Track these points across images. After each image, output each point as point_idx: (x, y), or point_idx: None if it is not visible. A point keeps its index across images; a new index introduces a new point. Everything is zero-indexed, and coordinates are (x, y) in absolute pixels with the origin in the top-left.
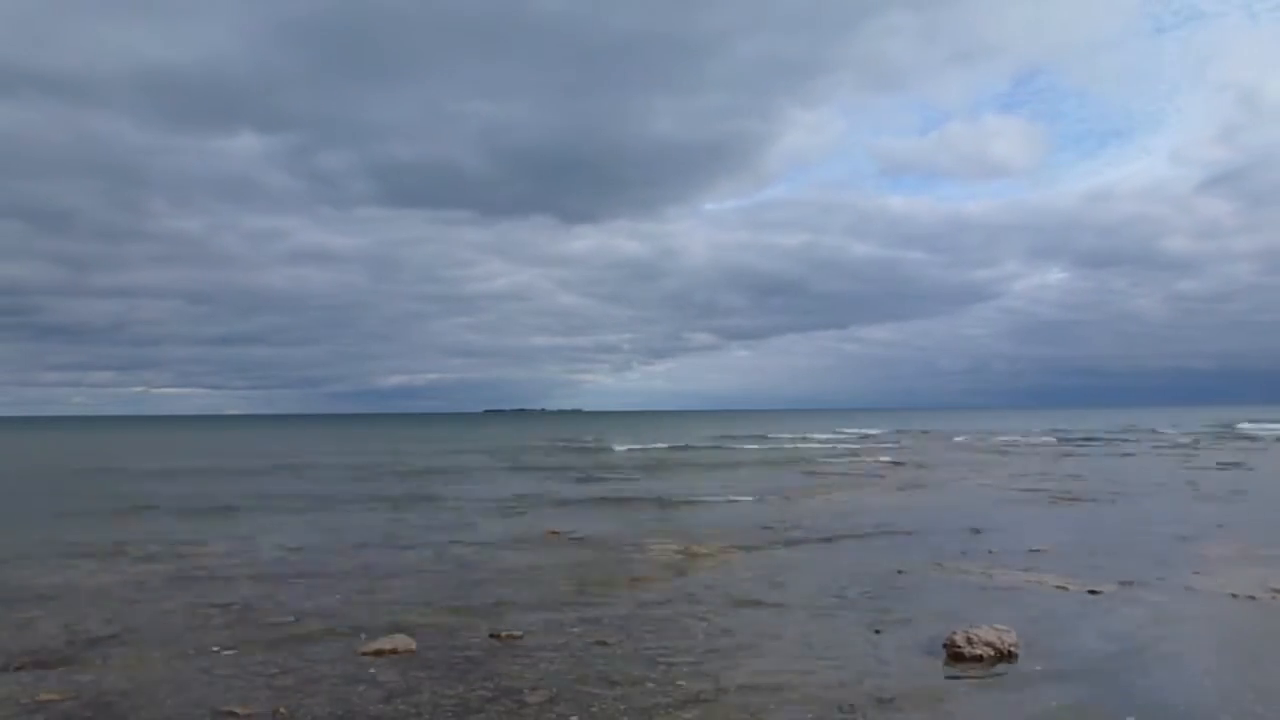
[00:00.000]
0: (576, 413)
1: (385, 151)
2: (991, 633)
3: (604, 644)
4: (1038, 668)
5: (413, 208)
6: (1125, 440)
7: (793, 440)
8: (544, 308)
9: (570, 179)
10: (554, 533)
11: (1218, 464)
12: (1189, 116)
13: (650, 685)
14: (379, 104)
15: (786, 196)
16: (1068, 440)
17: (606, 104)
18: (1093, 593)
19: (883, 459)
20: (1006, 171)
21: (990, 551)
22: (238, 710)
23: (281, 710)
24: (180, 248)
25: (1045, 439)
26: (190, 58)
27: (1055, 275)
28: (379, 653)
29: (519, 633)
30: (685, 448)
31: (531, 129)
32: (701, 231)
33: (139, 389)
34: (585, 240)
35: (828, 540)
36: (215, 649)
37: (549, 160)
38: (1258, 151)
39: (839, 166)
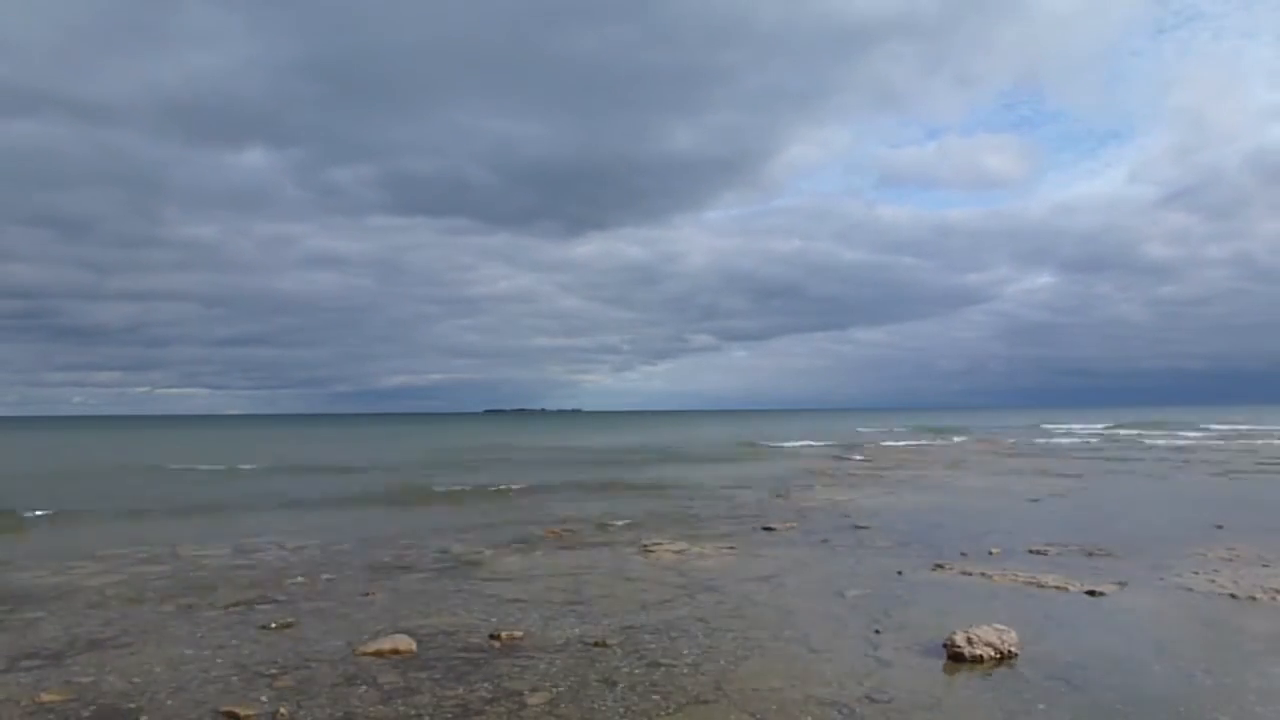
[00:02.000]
0: (576, 412)
1: (397, 165)
2: (991, 633)
3: (604, 645)
4: (1038, 668)
5: (422, 216)
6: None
7: (793, 440)
8: (547, 310)
9: (582, 190)
10: (553, 532)
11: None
12: (1152, 136)
13: (650, 686)
14: (391, 124)
15: (791, 205)
16: (1069, 440)
17: (623, 124)
18: (1092, 593)
19: (884, 459)
20: (997, 182)
21: (990, 551)
22: (238, 710)
23: (281, 710)
24: (195, 254)
25: (1043, 439)
26: (207, 86)
27: (1043, 280)
28: (379, 653)
29: (519, 633)
30: (685, 447)
31: (545, 145)
32: (706, 237)
33: (144, 389)
34: (590, 246)
35: (827, 540)
36: (215, 649)
37: (561, 172)
38: (1207, 170)
39: (842, 178)
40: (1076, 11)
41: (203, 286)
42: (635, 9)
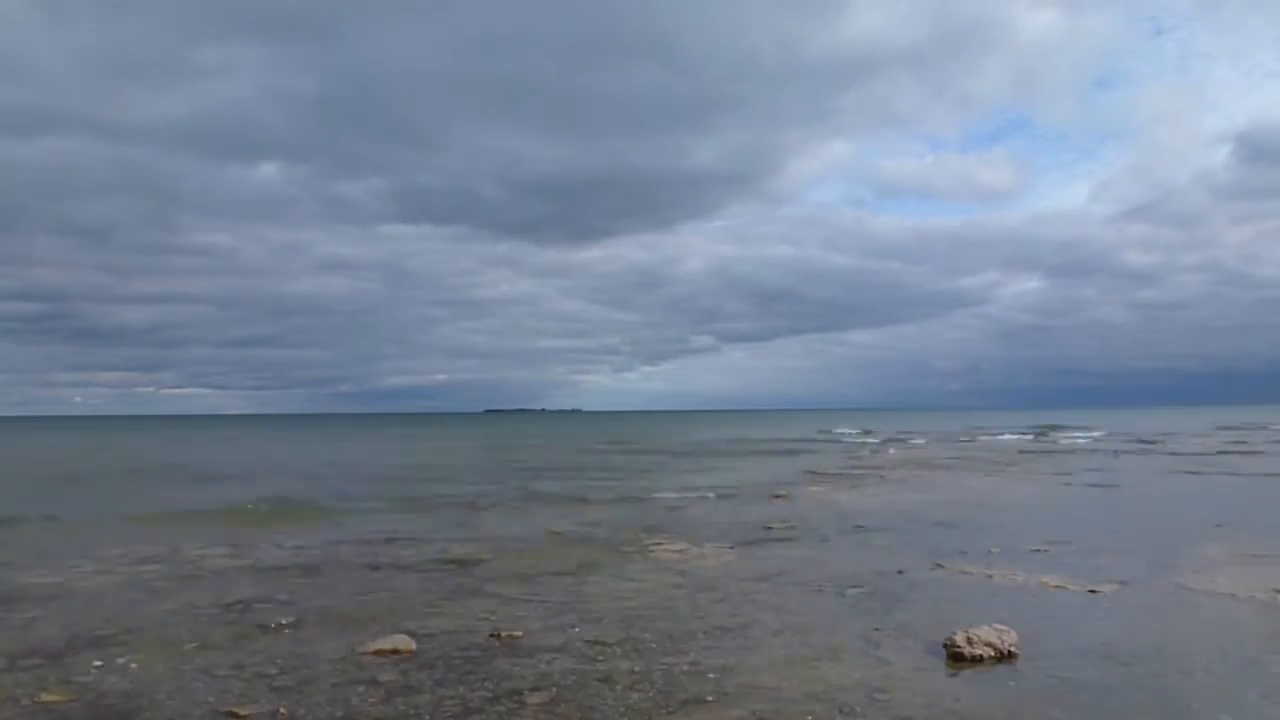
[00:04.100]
0: (576, 412)
1: (410, 181)
2: (991, 633)
3: (604, 644)
4: (1038, 668)
5: (430, 225)
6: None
7: (793, 440)
8: (550, 313)
9: (592, 202)
10: (554, 532)
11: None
12: (1122, 153)
13: (650, 685)
14: (408, 148)
15: (794, 214)
16: (1066, 439)
17: (639, 144)
18: (1093, 592)
19: (884, 459)
20: (988, 194)
21: (990, 551)
22: (238, 710)
23: (281, 710)
24: (211, 260)
25: (1039, 439)
26: (225, 112)
27: (1032, 284)
28: (379, 653)
29: (519, 633)
30: (685, 447)
31: (561, 163)
32: (709, 244)
33: (149, 389)
34: (595, 252)
35: (827, 540)
36: (215, 649)
37: (573, 186)
38: (1167, 187)
39: (844, 188)
40: (1059, 40)
41: (217, 290)
42: (659, 48)
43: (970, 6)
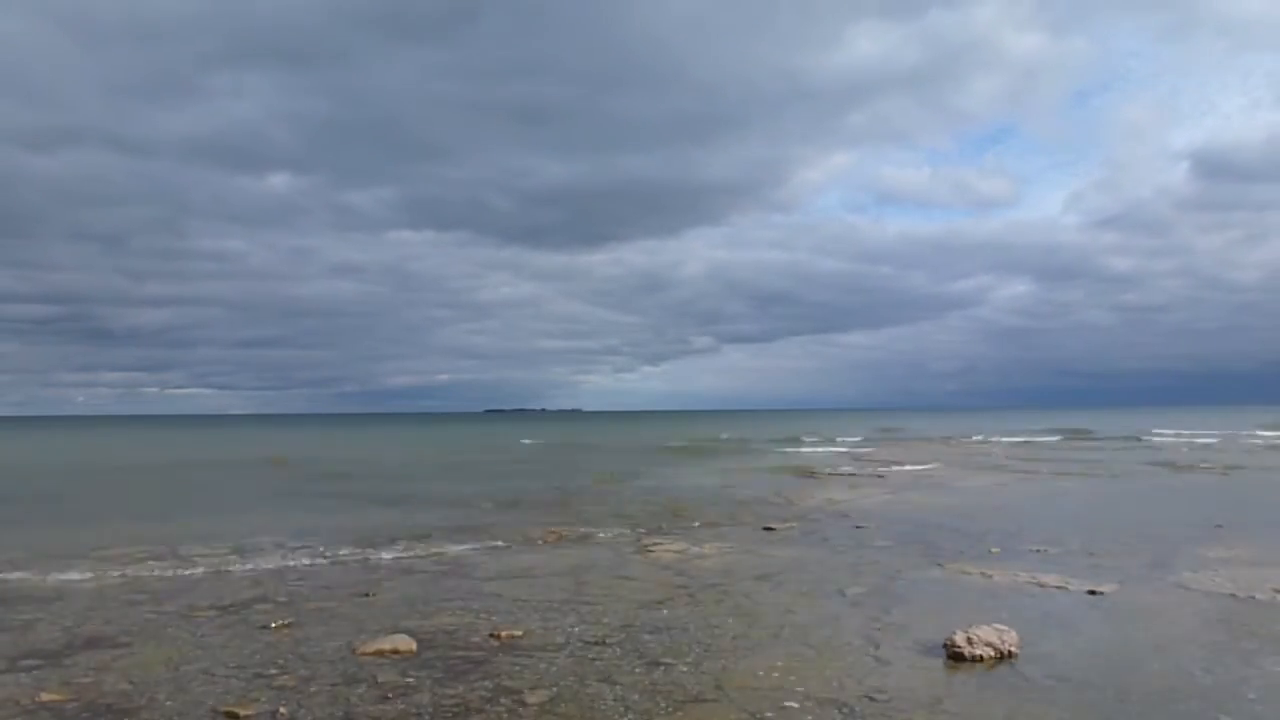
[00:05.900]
0: (576, 412)
1: (419, 191)
2: (991, 633)
3: (604, 644)
4: (1038, 668)
5: (434, 231)
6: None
7: (792, 440)
8: (553, 314)
9: (599, 211)
10: (554, 532)
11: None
12: (1098, 167)
13: (650, 685)
14: (418, 165)
15: (795, 221)
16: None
17: (649, 159)
18: (1092, 593)
19: (883, 459)
20: (980, 202)
21: (990, 551)
22: (238, 710)
23: (281, 710)
24: (223, 265)
25: (1045, 439)
26: (237, 130)
27: (1021, 288)
28: (379, 653)
29: (519, 632)
30: (685, 447)
31: (572, 177)
32: (712, 249)
33: (153, 389)
34: (598, 256)
35: (827, 540)
36: (215, 649)
37: (581, 196)
38: (1135, 200)
39: (844, 195)
40: (1044, 60)
41: (227, 293)
42: (671, 76)
43: (962, 31)
